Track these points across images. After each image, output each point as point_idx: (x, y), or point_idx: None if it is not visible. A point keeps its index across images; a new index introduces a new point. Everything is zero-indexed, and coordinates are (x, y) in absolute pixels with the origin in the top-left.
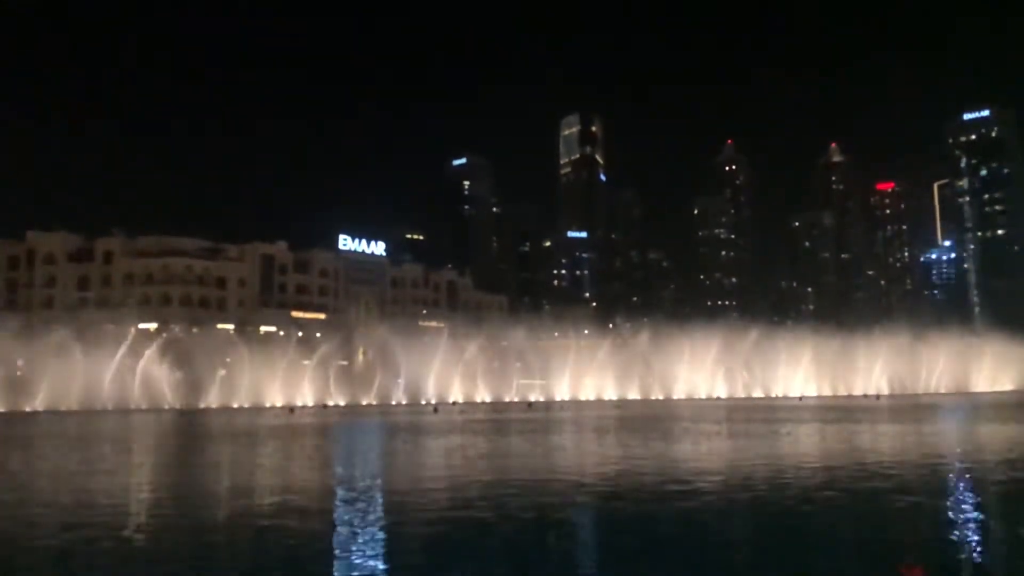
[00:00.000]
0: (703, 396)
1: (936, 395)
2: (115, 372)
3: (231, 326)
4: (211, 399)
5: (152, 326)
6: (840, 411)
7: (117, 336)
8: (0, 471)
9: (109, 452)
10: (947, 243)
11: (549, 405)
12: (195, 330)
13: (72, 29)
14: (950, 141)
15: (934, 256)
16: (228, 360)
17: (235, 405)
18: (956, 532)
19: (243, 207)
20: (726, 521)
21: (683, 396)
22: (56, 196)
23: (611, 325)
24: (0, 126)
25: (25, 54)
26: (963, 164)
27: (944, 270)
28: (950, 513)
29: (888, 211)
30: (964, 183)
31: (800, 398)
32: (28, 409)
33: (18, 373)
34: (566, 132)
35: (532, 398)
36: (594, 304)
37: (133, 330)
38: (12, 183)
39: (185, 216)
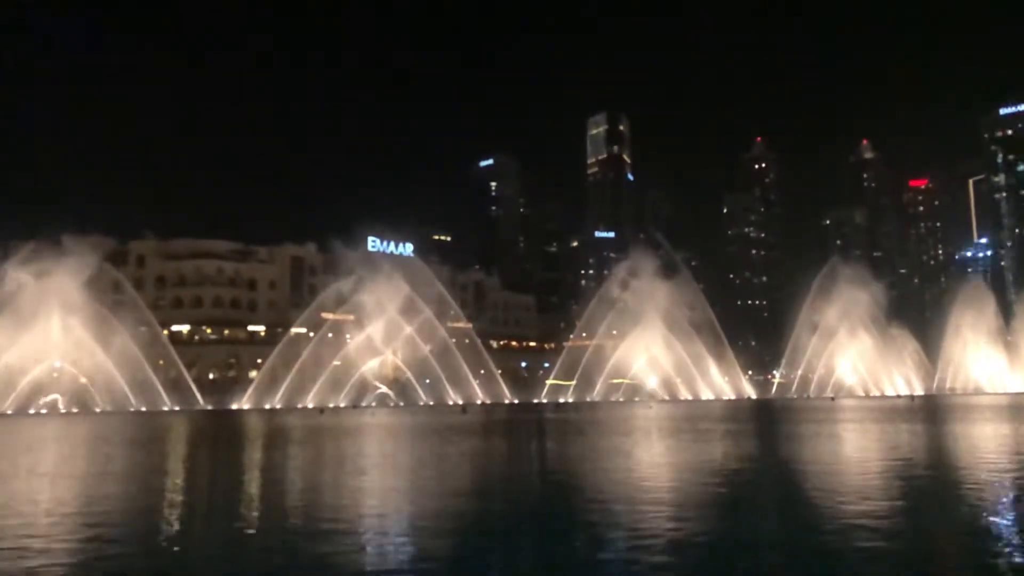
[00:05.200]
0: (733, 397)
1: (966, 395)
2: (148, 373)
3: (262, 328)
4: (243, 400)
5: (184, 328)
6: (891, 412)
7: (149, 338)
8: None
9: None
10: (983, 240)
11: (579, 406)
12: (226, 332)
13: (100, 32)
14: (986, 136)
15: (969, 254)
16: (259, 361)
17: (267, 406)
18: None
19: (272, 209)
20: None
21: (712, 397)
22: (90, 200)
23: (639, 326)
24: (33, 131)
25: (53, 60)
26: (999, 160)
27: (980, 268)
28: None
29: (921, 208)
30: (1000, 179)
31: (832, 398)
32: (63, 410)
33: (54, 375)
34: (593, 131)
35: (561, 399)
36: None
37: (166, 332)
38: (46, 187)
39: (215, 218)
